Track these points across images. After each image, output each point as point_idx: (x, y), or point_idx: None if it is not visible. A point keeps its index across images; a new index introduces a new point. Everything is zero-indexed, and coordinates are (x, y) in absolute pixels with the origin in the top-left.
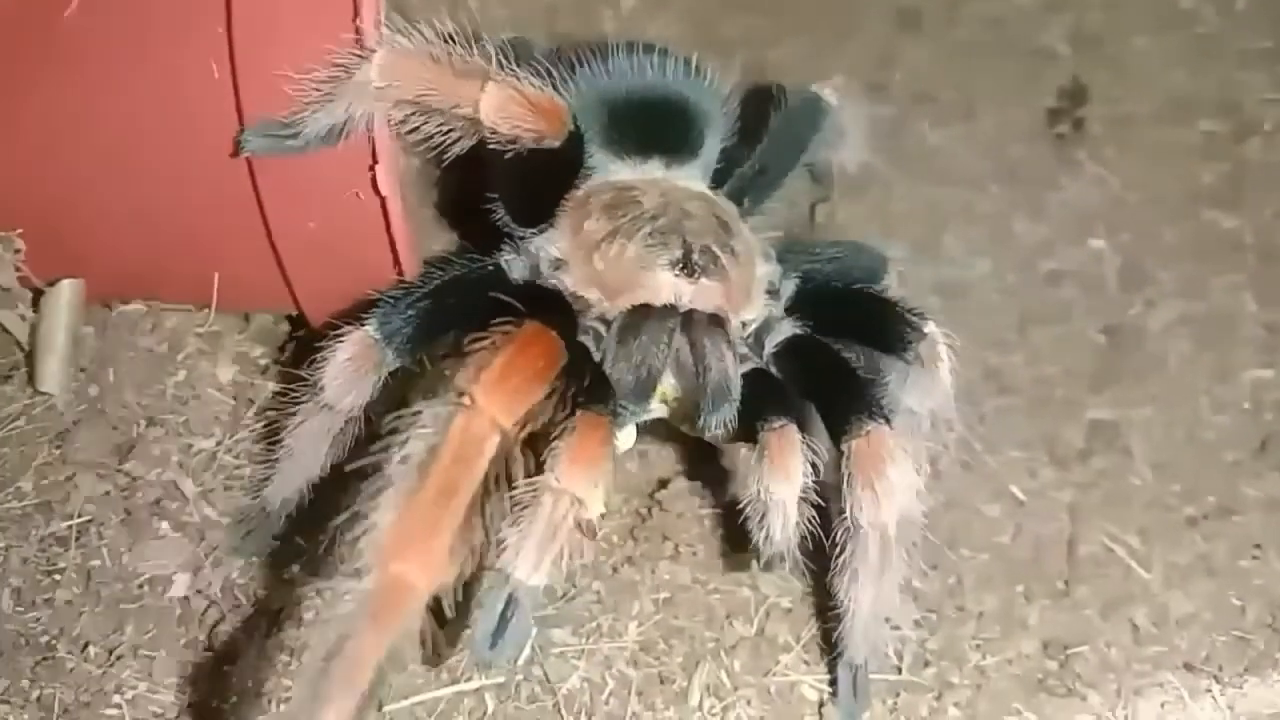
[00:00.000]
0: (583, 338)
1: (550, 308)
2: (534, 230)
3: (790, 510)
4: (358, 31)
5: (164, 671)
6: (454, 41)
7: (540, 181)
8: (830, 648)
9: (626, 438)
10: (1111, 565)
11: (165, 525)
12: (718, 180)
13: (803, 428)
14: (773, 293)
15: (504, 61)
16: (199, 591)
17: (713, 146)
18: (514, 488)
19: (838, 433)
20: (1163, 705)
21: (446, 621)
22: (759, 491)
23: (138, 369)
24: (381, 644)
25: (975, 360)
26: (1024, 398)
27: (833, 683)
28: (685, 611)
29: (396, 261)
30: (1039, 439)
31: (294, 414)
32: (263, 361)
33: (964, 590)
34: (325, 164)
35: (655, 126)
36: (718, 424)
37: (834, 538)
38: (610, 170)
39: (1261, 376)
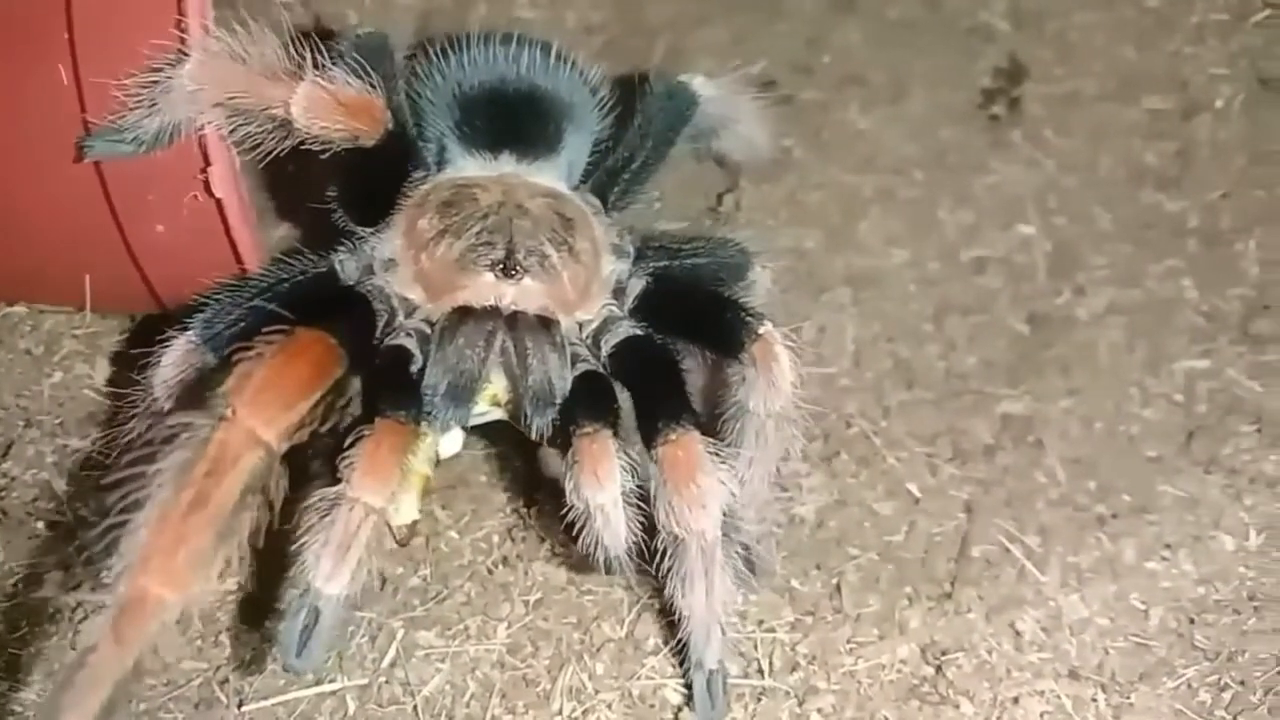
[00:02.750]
0: (405, 341)
1: (363, 312)
2: (371, 230)
3: (611, 514)
4: (181, 36)
5: (29, 669)
6: (267, 42)
7: (374, 180)
8: None
9: (451, 443)
10: (1005, 566)
11: (40, 525)
12: (589, 174)
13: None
14: (619, 291)
15: (320, 61)
16: (71, 589)
17: (577, 141)
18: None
19: (649, 438)
20: (1042, 715)
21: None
22: (573, 498)
23: (15, 370)
24: (123, 657)
25: (885, 353)
26: (934, 391)
27: (689, 686)
28: (556, 613)
29: (239, 261)
30: (944, 434)
31: (132, 417)
32: (142, 361)
33: (845, 591)
34: (164, 168)
35: (506, 121)
36: (539, 428)
37: (656, 544)
38: (461, 166)
39: (1196, 367)
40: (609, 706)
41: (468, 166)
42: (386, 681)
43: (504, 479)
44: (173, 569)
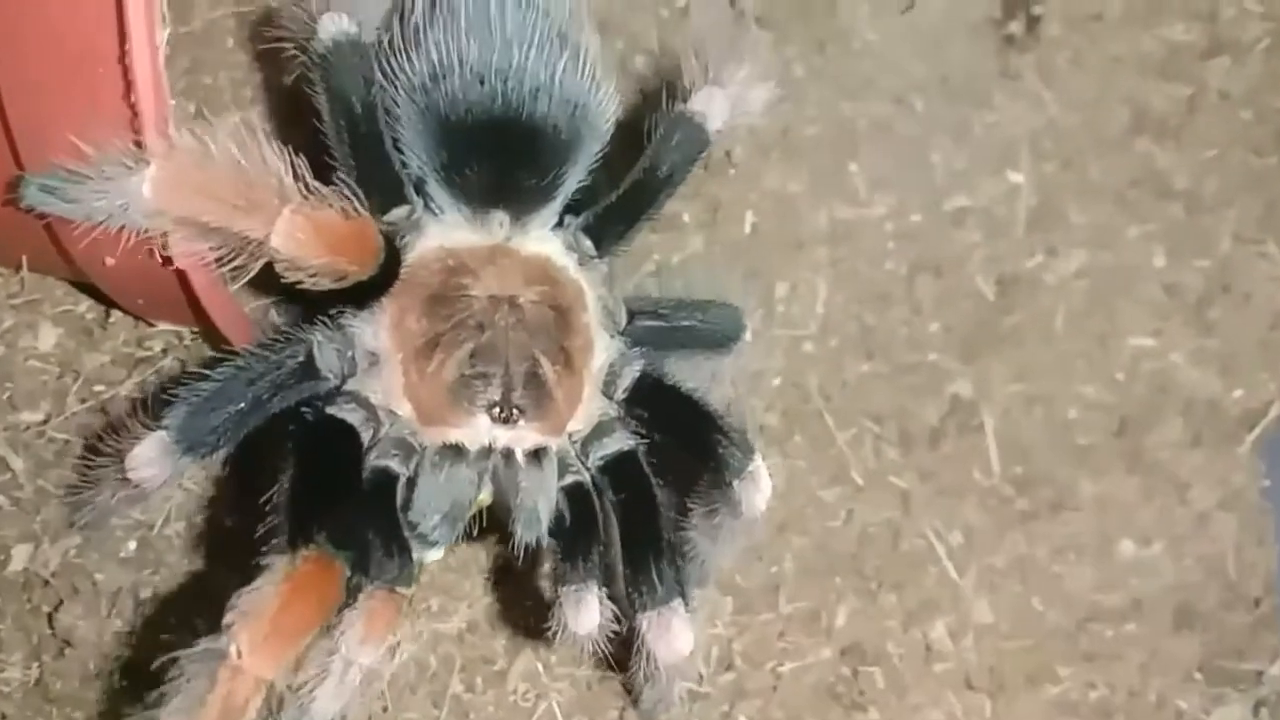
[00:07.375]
0: (390, 461)
1: (345, 434)
2: (354, 308)
3: (590, 636)
4: (136, 131)
5: (11, 646)
6: (242, 149)
7: None
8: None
9: (436, 552)
10: (928, 565)
11: (2, 500)
12: (577, 206)
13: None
14: (611, 382)
15: (303, 177)
16: (42, 564)
17: (575, 174)
18: None
19: (636, 597)
20: None
21: None
22: (559, 626)
23: None
24: None
25: (851, 318)
26: (891, 364)
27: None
28: (513, 596)
29: (201, 318)
30: (894, 413)
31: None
32: (88, 318)
33: (783, 583)
34: None
35: (501, 170)
36: (525, 542)
37: (632, 662)
38: (447, 222)
39: (1143, 345)
40: (560, 693)
41: (456, 226)
42: None
43: None
44: None
